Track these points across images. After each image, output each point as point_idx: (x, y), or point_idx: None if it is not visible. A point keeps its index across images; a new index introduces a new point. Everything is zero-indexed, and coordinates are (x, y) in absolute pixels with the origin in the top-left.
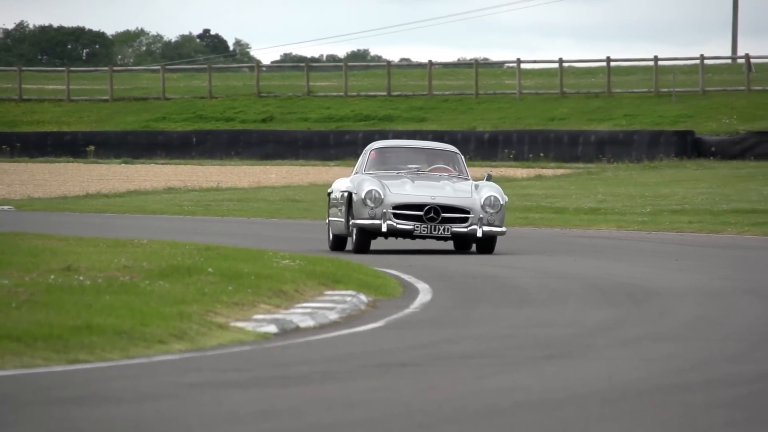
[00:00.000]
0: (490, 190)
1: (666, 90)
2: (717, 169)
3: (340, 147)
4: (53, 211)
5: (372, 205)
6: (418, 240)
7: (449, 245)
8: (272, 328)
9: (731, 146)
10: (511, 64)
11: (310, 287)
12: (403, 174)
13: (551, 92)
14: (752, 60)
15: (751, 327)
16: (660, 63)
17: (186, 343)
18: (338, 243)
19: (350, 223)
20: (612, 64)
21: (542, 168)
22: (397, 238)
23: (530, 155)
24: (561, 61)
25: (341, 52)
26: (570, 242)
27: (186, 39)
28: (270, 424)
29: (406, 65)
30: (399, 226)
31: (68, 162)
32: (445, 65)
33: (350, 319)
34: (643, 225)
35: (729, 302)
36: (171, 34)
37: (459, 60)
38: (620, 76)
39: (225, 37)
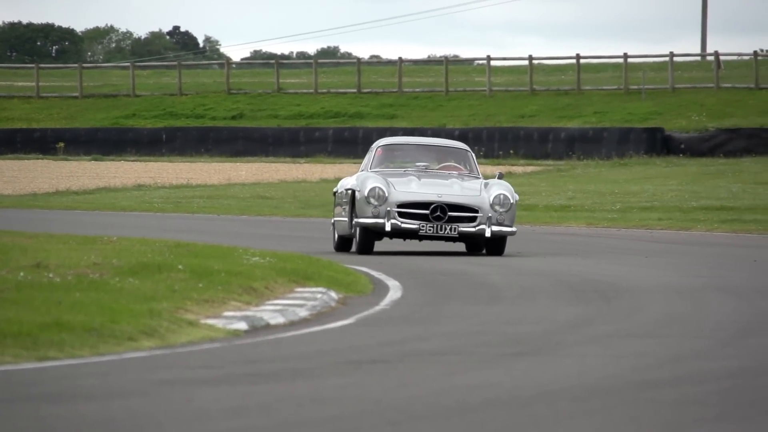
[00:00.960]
0: (499, 188)
1: (636, 87)
2: (686, 167)
3: (310, 144)
4: (23, 209)
5: (375, 203)
6: (425, 241)
7: (460, 247)
8: (242, 325)
9: (700, 143)
10: (481, 62)
11: (280, 284)
12: (410, 172)
13: (521, 89)
14: (721, 57)
15: (721, 324)
16: (630, 60)
17: (156, 340)
18: (343, 244)
19: (353, 222)
20: (582, 61)
21: (512, 165)
22: (405, 239)
23: (500, 152)
24: (531, 58)
25: (311, 49)
26: (540, 239)
27: (156, 36)
28: (240, 421)
29: (376, 62)
30: (404, 225)
31: (38, 159)
32: (415, 62)
33: (320, 316)
34: (612, 222)
35: (699, 299)
36: (141, 31)
37: (429, 57)
38: (590, 73)
39: (195, 34)
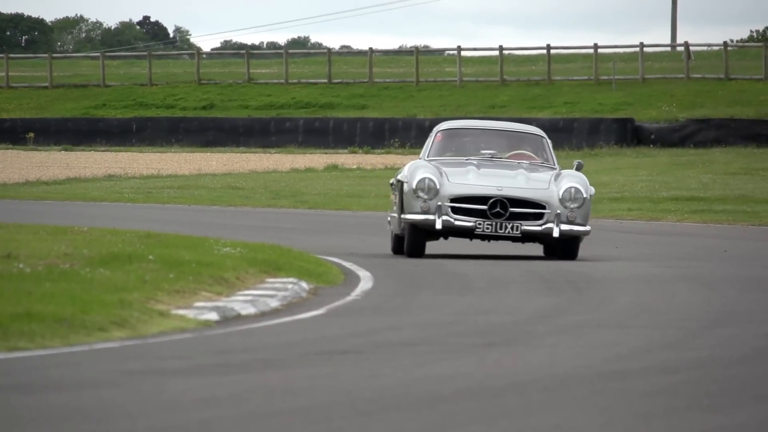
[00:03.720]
0: (571, 181)
1: (606, 78)
2: (657, 157)
3: (281, 134)
4: None
5: (425, 196)
6: (486, 242)
7: (532, 249)
8: (213, 316)
9: (671, 134)
10: (451, 52)
11: (251, 275)
12: (472, 161)
13: (492, 80)
14: (691, 48)
15: (691, 314)
16: (600, 51)
17: (127, 331)
18: (399, 244)
19: (400, 218)
20: (552, 51)
21: None
22: (471, 239)
23: None
24: (501, 48)
25: (281, 39)
26: None
27: (126, 26)
28: (211, 412)
29: (347, 53)
30: (457, 222)
31: (7, 149)
32: (386, 53)
33: (291, 306)
34: None
35: (669, 290)
36: (111, 21)
37: (400, 47)
38: (560, 63)
39: (165, 24)
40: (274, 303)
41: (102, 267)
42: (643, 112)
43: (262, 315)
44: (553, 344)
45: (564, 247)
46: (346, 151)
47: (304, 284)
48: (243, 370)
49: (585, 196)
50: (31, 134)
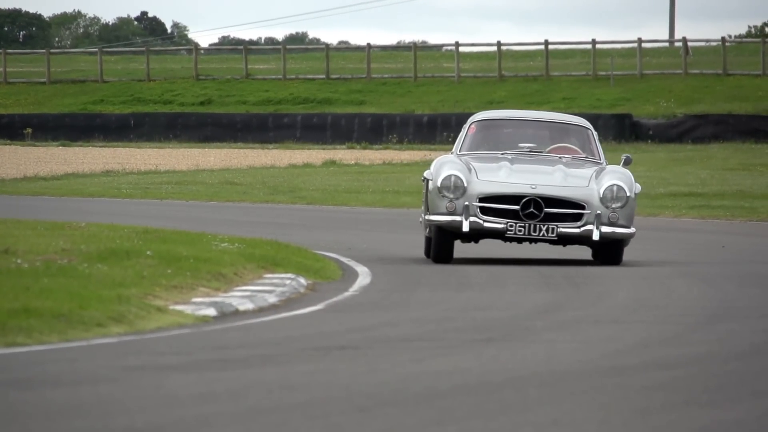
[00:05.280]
0: (613, 178)
1: (604, 73)
2: (654, 152)
3: (279, 130)
4: None
5: (451, 195)
6: (516, 244)
7: (577, 252)
8: (211, 311)
9: (669, 129)
10: (449, 48)
11: (249, 270)
12: (507, 156)
13: (489, 75)
14: (689, 43)
15: (688, 309)
16: (598, 46)
17: (125, 326)
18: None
19: (425, 219)
20: (550, 47)
21: None
22: (506, 242)
23: None
24: (499, 44)
25: (279, 35)
26: None
27: (123, 21)
28: (209, 408)
29: (345, 48)
30: (486, 224)
31: (5, 145)
32: (384, 48)
33: (289, 302)
34: None
35: (667, 285)
36: (108, 17)
37: (398, 43)
38: (558, 59)
39: (163, 19)
40: (272, 299)
41: (100, 263)
42: (641, 108)
43: (260, 310)
44: (551, 340)
45: (606, 251)
46: (344, 146)
47: (302, 280)
48: (241, 366)
49: (629, 194)
50: (29, 130)
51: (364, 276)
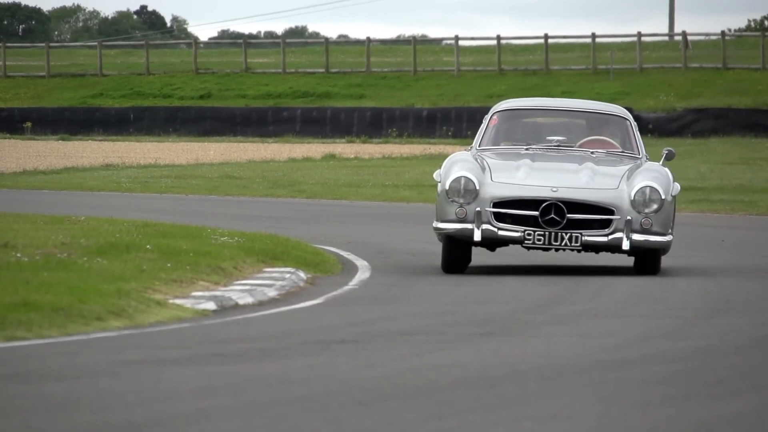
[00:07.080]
0: (646, 178)
1: (604, 67)
2: (654, 147)
3: (279, 124)
4: None
5: (460, 200)
6: (542, 252)
7: (620, 260)
8: (211, 305)
9: (668, 123)
10: (449, 41)
11: (248, 264)
12: (531, 151)
13: (489, 69)
14: (689, 37)
15: (688, 303)
16: (597, 40)
17: (124, 320)
18: None
19: (433, 226)
20: (550, 41)
21: None
22: (529, 249)
23: (468, 132)
24: (499, 38)
25: (279, 28)
26: None
27: (123, 15)
28: (208, 401)
29: (344, 42)
30: (501, 232)
31: (5, 138)
32: (383, 42)
33: (289, 296)
34: None
35: (666, 279)
36: (108, 10)
37: (397, 37)
38: (558, 53)
39: (162, 13)
40: (271, 292)
41: (99, 256)
42: (640, 102)
43: (260, 304)
44: (551, 334)
45: (639, 261)
46: (343, 140)
47: (301, 274)
48: (240, 360)
49: (663, 197)
50: (29, 123)
51: (363, 270)
